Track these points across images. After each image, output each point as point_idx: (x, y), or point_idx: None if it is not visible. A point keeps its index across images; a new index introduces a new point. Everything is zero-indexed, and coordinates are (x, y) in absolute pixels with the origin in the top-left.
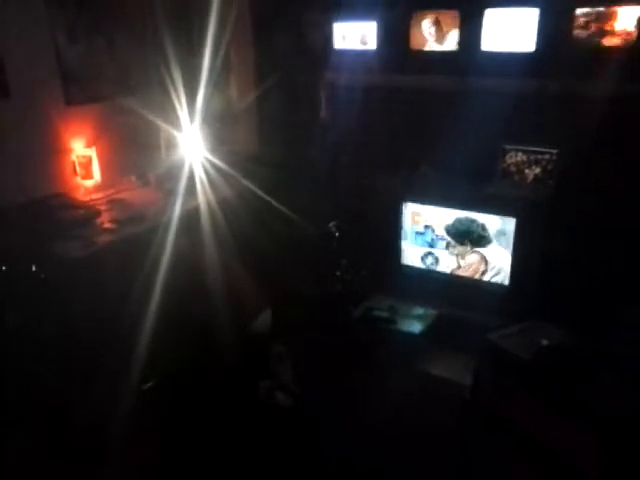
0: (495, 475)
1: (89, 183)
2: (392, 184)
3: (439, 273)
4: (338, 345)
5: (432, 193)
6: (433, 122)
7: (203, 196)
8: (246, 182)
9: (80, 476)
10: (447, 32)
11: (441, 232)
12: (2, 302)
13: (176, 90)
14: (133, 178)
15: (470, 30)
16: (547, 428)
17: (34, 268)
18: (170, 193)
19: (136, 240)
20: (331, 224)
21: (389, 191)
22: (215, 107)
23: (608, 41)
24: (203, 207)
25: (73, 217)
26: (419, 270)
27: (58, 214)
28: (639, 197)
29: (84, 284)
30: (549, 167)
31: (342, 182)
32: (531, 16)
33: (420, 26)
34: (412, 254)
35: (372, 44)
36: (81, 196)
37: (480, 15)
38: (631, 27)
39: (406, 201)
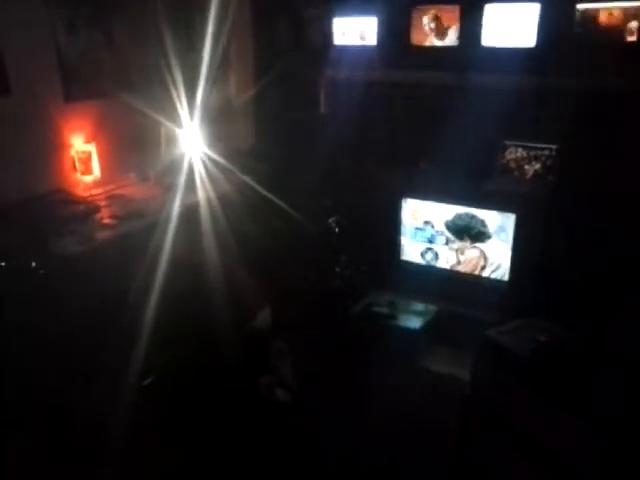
0: (494, 471)
1: (89, 179)
2: (392, 180)
3: (439, 269)
4: (338, 341)
5: (432, 189)
6: (433, 118)
7: (203, 192)
8: (245, 178)
9: (80, 476)
10: (447, 27)
11: (440, 228)
12: (1, 298)
13: (176, 86)
14: (133, 174)
15: (470, 25)
16: (545, 424)
17: (33, 264)
18: (170, 189)
19: (136, 236)
20: (330, 220)
21: (389, 187)
22: (214, 103)
23: (609, 37)
24: (203, 203)
25: (73, 213)
26: (419, 266)
27: (57, 210)
28: (638, 193)
29: (83, 280)
30: (549, 163)
31: (341, 178)
32: (532, 11)
33: (420, 21)
34: (412, 250)
35: (371, 40)
36: (80, 192)
37: (480, 10)
38: (631, 23)
39: (406, 197)
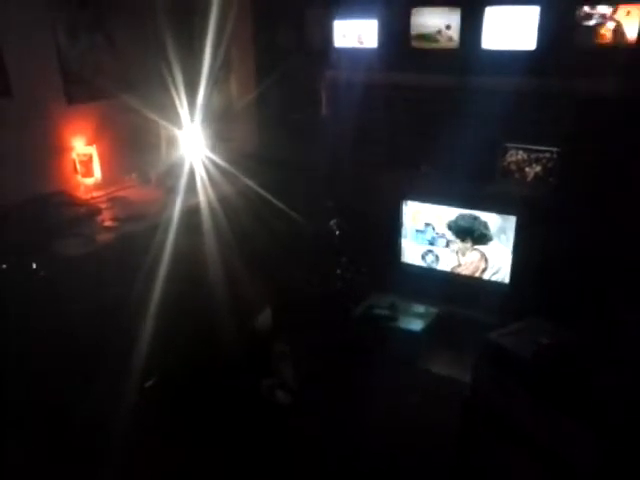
0: (494, 472)
1: (90, 181)
2: (393, 182)
3: (439, 271)
4: (339, 343)
5: (432, 191)
6: (434, 120)
7: (203, 194)
8: (246, 180)
9: (80, 476)
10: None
11: (441, 230)
12: (2, 300)
13: (177, 88)
14: (134, 176)
15: (471, 28)
16: (546, 426)
17: (35, 266)
18: (171, 191)
19: (137, 238)
20: (332, 222)
21: (389, 189)
22: (216, 105)
23: (609, 40)
24: (203, 205)
25: (74, 215)
26: (419, 268)
27: (59, 212)
28: (638, 195)
29: (85, 282)
30: (549, 165)
31: (342, 180)
32: (532, 14)
33: None
34: (412, 252)
35: (369, 43)
36: (82, 194)
37: (481, 13)
38: (632, 26)
39: (406, 199)
